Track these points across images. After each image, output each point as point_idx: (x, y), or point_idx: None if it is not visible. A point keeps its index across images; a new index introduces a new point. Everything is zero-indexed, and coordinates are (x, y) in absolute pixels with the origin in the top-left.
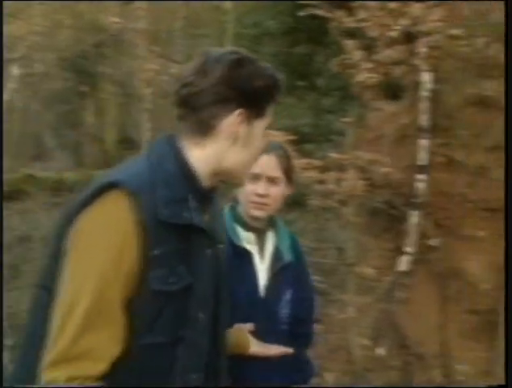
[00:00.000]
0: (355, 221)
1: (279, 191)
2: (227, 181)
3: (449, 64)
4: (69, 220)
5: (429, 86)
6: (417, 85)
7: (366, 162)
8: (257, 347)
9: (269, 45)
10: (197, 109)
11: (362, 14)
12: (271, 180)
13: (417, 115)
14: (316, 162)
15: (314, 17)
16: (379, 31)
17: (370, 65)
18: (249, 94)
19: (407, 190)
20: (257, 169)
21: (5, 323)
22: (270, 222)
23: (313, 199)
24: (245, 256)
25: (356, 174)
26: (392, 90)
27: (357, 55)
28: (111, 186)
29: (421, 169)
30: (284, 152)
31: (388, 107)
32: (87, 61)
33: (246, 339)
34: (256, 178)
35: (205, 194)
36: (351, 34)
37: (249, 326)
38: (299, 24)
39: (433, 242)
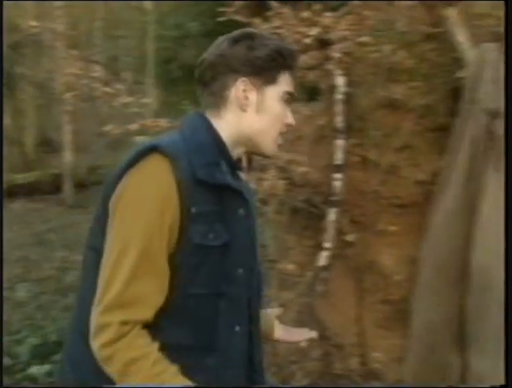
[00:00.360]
0: (277, 219)
1: None
2: (254, 152)
3: (360, 69)
4: (113, 182)
5: (342, 89)
6: (332, 88)
7: (285, 162)
8: (282, 333)
9: (190, 47)
10: (209, 82)
11: (277, 22)
12: None
13: (333, 116)
14: None
15: (234, 20)
16: (293, 38)
17: None
18: (252, 63)
19: (325, 188)
20: None
21: None
22: None
23: None
24: None
25: (276, 174)
26: (309, 94)
27: None
28: (152, 149)
29: (338, 168)
30: None
31: (306, 109)
32: (5, 62)
33: (272, 324)
34: None
35: (234, 162)
36: None
37: (278, 310)
38: (220, 26)
39: (349, 237)
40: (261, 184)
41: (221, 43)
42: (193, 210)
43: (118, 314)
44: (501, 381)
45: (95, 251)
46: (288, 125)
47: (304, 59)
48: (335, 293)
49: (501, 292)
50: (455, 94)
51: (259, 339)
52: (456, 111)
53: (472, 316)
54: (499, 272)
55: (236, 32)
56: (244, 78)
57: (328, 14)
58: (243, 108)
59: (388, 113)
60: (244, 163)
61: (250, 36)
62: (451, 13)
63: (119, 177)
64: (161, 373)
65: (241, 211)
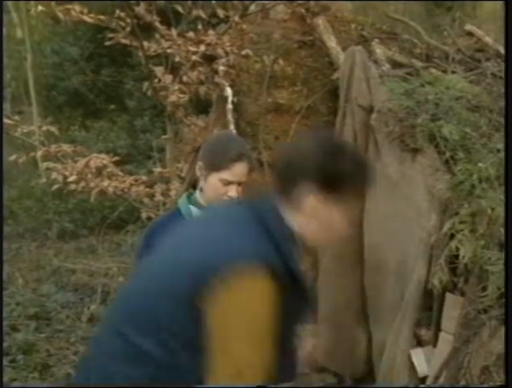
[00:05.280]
0: None
1: (242, 189)
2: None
3: (245, 79)
4: (205, 282)
5: (232, 99)
6: (222, 99)
7: (187, 173)
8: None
9: (72, 72)
10: (291, 183)
11: (164, 44)
12: (241, 184)
13: (226, 125)
14: (144, 178)
15: (116, 42)
16: (182, 57)
17: (179, 87)
18: (332, 181)
19: None
20: (232, 177)
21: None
22: None
23: (145, 212)
24: None
25: (180, 184)
26: (202, 106)
27: (167, 79)
28: (253, 264)
29: None
30: (252, 155)
31: (200, 121)
32: None
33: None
34: (230, 183)
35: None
36: (156, 58)
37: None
38: (100, 49)
39: None
40: (167, 196)
41: (311, 147)
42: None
43: None
44: (402, 348)
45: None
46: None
47: (193, 74)
48: None
49: (393, 266)
50: (333, 94)
51: None
52: (336, 109)
53: (371, 292)
54: (388, 249)
55: (325, 138)
56: (320, 195)
57: (211, 32)
58: (307, 214)
59: (275, 117)
60: None
61: (336, 150)
62: (320, 21)
63: (209, 292)
64: None
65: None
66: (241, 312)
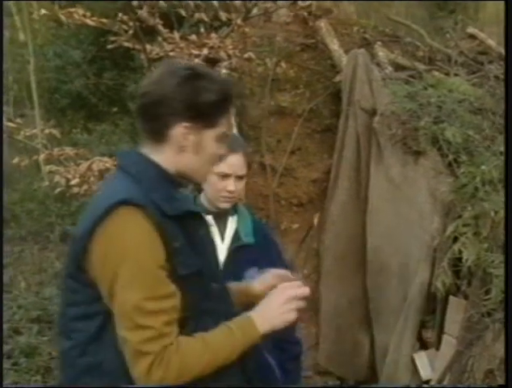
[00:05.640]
0: None
1: (243, 184)
2: (186, 180)
3: (248, 82)
4: (82, 241)
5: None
6: None
7: None
8: (259, 286)
9: (75, 75)
10: (151, 118)
11: (167, 47)
12: (239, 177)
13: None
14: None
15: (118, 45)
16: (185, 60)
17: None
18: (196, 108)
19: None
20: (227, 169)
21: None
22: (232, 208)
23: None
24: None
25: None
26: None
27: None
28: (118, 204)
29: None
30: (247, 146)
31: None
32: None
33: (245, 286)
34: (226, 176)
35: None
36: (159, 61)
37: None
38: (103, 52)
39: None
40: None
41: (166, 77)
42: (176, 245)
43: (158, 342)
44: (405, 350)
45: (77, 306)
46: (222, 156)
47: None
48: None
49: (396, 269)
50: (336, 97)
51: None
52: (338, 112)
53: (373, 295)
54: (391, 252)
55: (181, 67)
56: (186, 124)
57: (213, 35)
58: (182, 149)
59: (278, 120)
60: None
61: (197, 76)
62: (323, 24)
63: (89, 236)
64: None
65: (205, 232)
66: (116, 252)
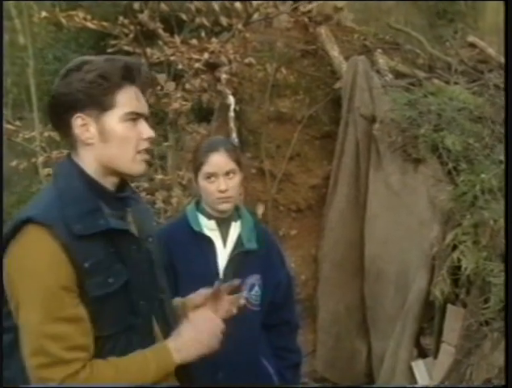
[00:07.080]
0: None
1: (236, 182)
2: (123, 176)
3: (248, 87)
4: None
5: (234, 107)
6: (224, 107)
7: (188, 180)
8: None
9: None
10: (56, 124)
11: (167, 51)
12: (228, 174)
13: (228, 133)
14: (145, 185)
15: (118, 49)
16: (185, 64)
17: (181, 94)
18: (83, 94)
19: None
20: (210, 168)
21: None
22: (236, 213)
23: None
24: (205, 241)
25: (181, 191)
26: (204, 114)
27: (169, 86)
28: (25, 222)
29: None
30: (231, 144)
31: (202, 129)
32: None
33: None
34: (214, 176)
35: (115, 196)
36: (159, 65)
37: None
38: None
39: None
40: (168, 203)
41: (56, 80)
42: (86, 265)
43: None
44: (402, 358)
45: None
46: (147, 139)
47: (196, 82)
48: None
49: (394, 276)
50: (335, 103)
51: None
52: (338, 119)
53: (370, 302)
54: (389, 259)
55: (68, 64)
56: (78, 114)
57: (214, 39)
58: (87, 143)
59: (277, 126)
60: (129, 188)
61: (78, 67)
62: (323, 31)
63: (2, 250)
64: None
65: (135, 247)
66: (16, 271)
